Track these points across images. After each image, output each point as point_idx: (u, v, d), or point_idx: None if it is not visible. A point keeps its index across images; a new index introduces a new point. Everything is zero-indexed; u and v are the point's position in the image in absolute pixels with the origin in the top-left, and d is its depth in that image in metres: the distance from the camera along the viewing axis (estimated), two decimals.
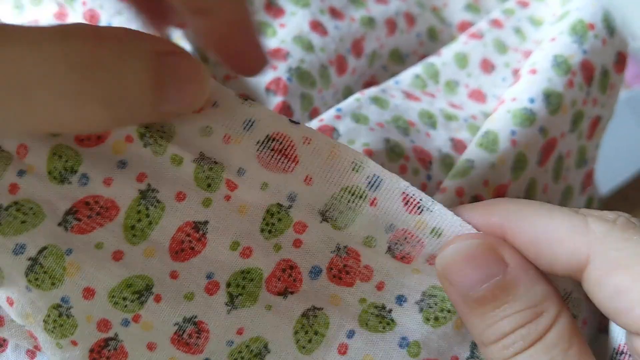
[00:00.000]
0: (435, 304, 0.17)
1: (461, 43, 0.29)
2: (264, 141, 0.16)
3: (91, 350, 0.17)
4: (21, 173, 0.16)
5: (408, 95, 0.27)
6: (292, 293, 0.17)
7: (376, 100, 0.26)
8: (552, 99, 0.24)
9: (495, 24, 0.30)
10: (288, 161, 0.16)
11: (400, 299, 0.17)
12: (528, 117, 0.23)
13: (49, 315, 0.16)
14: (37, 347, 0.19)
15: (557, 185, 0.27)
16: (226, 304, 0.17)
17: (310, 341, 0.17)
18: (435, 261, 0.16)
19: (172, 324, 0.17)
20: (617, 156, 0.36)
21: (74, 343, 0.17)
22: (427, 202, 0.16)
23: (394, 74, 0.31)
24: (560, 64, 0.25)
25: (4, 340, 0.20)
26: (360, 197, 0.16)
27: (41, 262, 0.16)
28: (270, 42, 0.27)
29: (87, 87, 0.13)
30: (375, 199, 0.16)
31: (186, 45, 0.25)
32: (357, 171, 0.16)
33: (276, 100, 0.25)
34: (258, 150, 0.16)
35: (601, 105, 0.28)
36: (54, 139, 0.16)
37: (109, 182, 0.16)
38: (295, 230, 0.17)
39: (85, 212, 0.16)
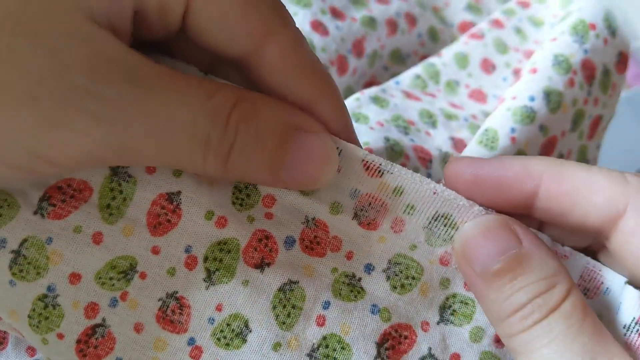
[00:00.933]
0: (401, 272, 0.18)
1: (462, 43, 0.30)
2: None
3: (78, 342, 0.17)
4: None
5: (408, 95, 0.28)
6: (268, 265, 0.17)
7: (376, 100, 0.26)
8: (552, 97, 0.24)
9: (496, 24, 0.31)
10: None
11: (369, 268, 0.18)
12: (528, 115, 0.23)
13: (33, 310, 0.16)
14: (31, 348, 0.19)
15: None
16: (204, 280, 0.17)
17: (289, 315, 0.17)
18: (452, 247, 0.17)
19: (156, 299, 0.17)
20: (617, 156, 0.36)
21: (60, 336, 0.17)
22: (387, 166, 0.17)
23: (394, 74, 0.31)
24: (561, 63, 0.25)
25: (4, 338, 0.20)
26: None
27: (24, 253, 0.16)
28: None
29: (214, 138, 0.15)
30: (339, 166, 0.17)
31: None
32: None
33: None
34: None
35: (602, 105, 0.28)
36: None
37: None
38: (265, 204, 0.18)
39: (59, 196, 0.16)
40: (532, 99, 0.24)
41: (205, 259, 0.17)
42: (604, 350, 0.15)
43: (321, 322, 0.18)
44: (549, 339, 0.15)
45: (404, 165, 0.23)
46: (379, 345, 0.18)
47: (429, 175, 0.24)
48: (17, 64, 0.13)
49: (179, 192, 0.17)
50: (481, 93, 0.29)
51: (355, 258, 0.18)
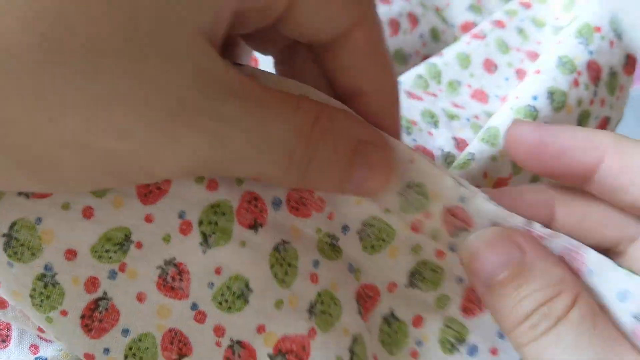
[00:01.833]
0: (373, 234, 0.19)
1: (464, 43, 0.30)
2: None
3: (82, 317, 0.17)
4: None
5: (410, 95, 0.28)
6: (261, 225, 0.18)
7: None
8: (556, 97, 0.24)
9: (498, 24, 0.31)
10: None
11: (345, 229, 0.19)
12: (531, 114, 0.23)
13: (34, 289, 0.16)
14: (40, 330, 0.19)
15: None
16: (200, 244, 0.17)
17: (286, 273, 0.18)
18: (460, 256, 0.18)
19: (155, 267, 0.17)
20: None
21: (64, 313, 0.17)
22: None
23: (396, 74, 0.31)
24: (565, 64, 0.25)
25: (7, 335, 0.20)
26: None
27: (15, 236, 0.16)
28: None
29: (298, 153, 0.15)
30: None
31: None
32: None
33: None
34: None
35: (610, 106, 0.28)
36: None
37: None
38: None
39: None
40: (535, 98, 0.24)
41: (200, 223, 0.17)
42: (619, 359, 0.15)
43: (315, 279, 0.18)
44: (561, 348, 0.15)
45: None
46: (357, 301, 0.19)
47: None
48: (143, 75, 0.13)
49: None
50: (483, 93, 0.29)
51: (335, 219, 0.18)
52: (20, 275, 0.16)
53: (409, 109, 0.26)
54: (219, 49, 0.15)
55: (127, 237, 0.17)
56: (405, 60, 0.32)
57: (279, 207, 0.18)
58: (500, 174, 0.22)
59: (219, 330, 0.17)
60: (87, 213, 0.17)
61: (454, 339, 0.19)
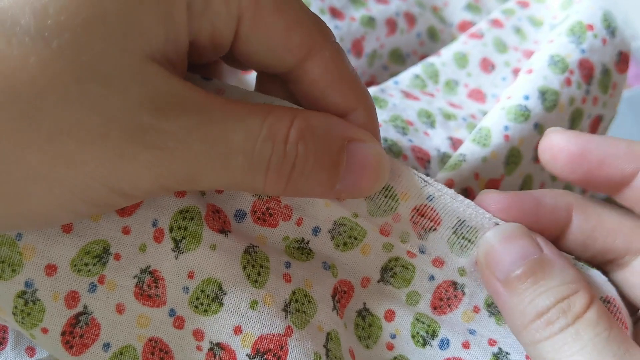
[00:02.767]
0: (345, 232, 0.19)
1: (461, 43, 0.31)
2: None
3: (63, 334, 0.17)
4: None
5: (407, 95, 0.28)
6: (230, 231, 0.18)
7: (375, 100, 0.27)
8: (547, 96, 0.25)
9: (496, 23, 0.31)
10: None
11: (316, 230, 0.19)
12: (522, 113, 0.24)
13: (15, 307, 0.17)
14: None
15: (555, 182, 0.27)
16: (172, 250, 0.18)
17: (259, 274, 0.18)
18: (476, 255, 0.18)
19: (132, 277, 0.18)
20: None
21: (45, 330, 0.17)
22: None
23: (394, 73, 0.32)
24: (557, 63, 0.25)
25: (3, 338, 0.20)
26: None
27: None
28: None
29: (275, 160, 0.16)
30: None
31: None
32: None
33: None
34: None
35: (603, 105, 0.28)
36: None
37: None
38: None
39: None
40: (526, 97, 0.24)
41: (171, 229, 0.18)
42: None
43: (288, 278, 0.18)
44: (580, 346, 0.16)
45: None
46: (332, 297, 0.19)
47: (427, 176, 0.24)
48: (89, 105, 0.14)
49: None
50: (480, 92, 0.30)
51: (304, 223, 0.19)
52: (2, 293, 0.17)
53: (405, 109, 0.27)
54: (181, 69, 0.16)
55: (106, 250, 0.18)
56: (403, 60, 0.33)
57: (242, 219, 0.19)
58: (491, 175, 0.23)
59: (198, 334, 0.18)
60: (67, 227, 0.17)
61: (425, 332, 0.20)
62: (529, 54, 0.31)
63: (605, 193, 0.19)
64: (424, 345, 0.20)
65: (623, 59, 0.29)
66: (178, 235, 0.18)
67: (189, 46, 0.16)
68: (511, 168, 0.24)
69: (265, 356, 0.17)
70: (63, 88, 0.14)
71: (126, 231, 0.18)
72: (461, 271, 0.19)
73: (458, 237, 0.18)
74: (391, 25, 0.32)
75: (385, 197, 0.18)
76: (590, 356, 0.15)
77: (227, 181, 0.16)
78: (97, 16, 0.14)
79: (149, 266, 0.18)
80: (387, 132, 0.25)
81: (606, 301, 0.18)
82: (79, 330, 0.17)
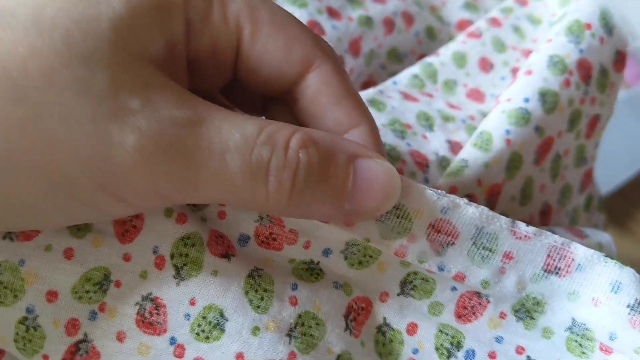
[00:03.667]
0: (359, 251, 0.19)
1: (459, 42, 0.31)
2: None
3: None
4: None
5: (406, 96, 0.29)
6: (233, 255, 0.18)
7: (373, 103, 0.27)
8: (547, 98, 0.25)
9: (494, 22, 0.32)
10: None
11: (327, 252, 0.19)
12: (523, 117, 0.24)
13: (17, 334, 0.17)
14: None
15: (554, 184, 0.28)
16: (174, 277, 0.18)
17: (262, 299, 0.18)
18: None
19: (133, 304, 0.18)
20: (617, 155, 0.37)
21: (45, 357, 0.17)
22: None
23: (392, 73, 0.32)
24: (556, 64, 0.26)
25: (0, 351, 0.21)
26: None
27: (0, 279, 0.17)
28: None
29: (274, 167, 0.15)
30: None
31: None
32: None
33: None
34: None
35: (600, 104, 0.29)
36: None
37: None
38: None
39: None
40: (526, 100, 0.25)
41: (172, 256, 0.18)
42: None
43: (294, 301, 0.18)
44: None
45: (400, 170, 0.24)
46: (346, 317, 0.19)
47: (426, 180, 0.25)
48: (77, 89, 0.14)
49: None
50: (479, 92, 0.30)
51: (312, 246, 0.19)
52: (3, 320, 0.17)
53: (404, 112, 0.27)
54: (181, 85, 0.16)
55: (107, 277, 0.18)
56: (401, 59, 0.33)
57: (246, 243, 0.19)
58: (493, 180, 0.23)
59: None
60: (68, 254, 0.17)
61: (450, 344, 0.19)
62: (527, 53, 0.31)
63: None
64: (448, 357, 0.19)
65: (620, 58, 0.29)
66: (179, 262, 0.18)
67: (192, 65, 0.17)
68: (512, 172, 0.24)
69: None
70: (51, 71, 0.14)
71: (127, 258, 0.18)
72: (484, 283, 0.18)
73: (478, 248, 0.18)
74: (389, 24, 0.32)
75: (398, 217, 0.18)
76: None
77: (225, 184, 0.15)
78: (92, 16, 0.14)
79: (151, 293, 0.18)
80: (386, 136, 0.26)
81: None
82: (79, 358, 0.18)
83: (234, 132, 0.15)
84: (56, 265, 0.17)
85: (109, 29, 0.15)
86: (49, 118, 0.14)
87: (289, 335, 0.18)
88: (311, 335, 0.18)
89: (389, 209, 0.17)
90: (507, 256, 0.18)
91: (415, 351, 0.19)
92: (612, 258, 0.18)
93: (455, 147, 0.26)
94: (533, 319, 0.19)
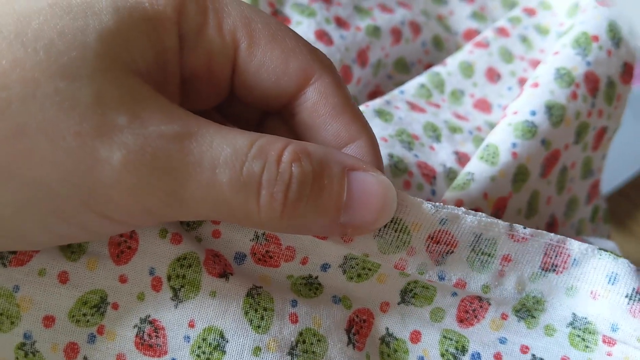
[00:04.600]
0: (357, 264, 0.19)
1: (466, 52, 0.31)
2: None
3: None
4: None
5: (413, 107, 0.29)
6: (231, 274, 0.18)
7: (380, 114, 0.27)
8: (554, 111, 0.25)
9: (501, 32, 0.32)
10: None
11: (325, 267, 0.19)
12: (529, 130, 0.25)
13: (16, 358, 0.17)
14: None
15: (561, 196, 0.28)
16: (172, 299, 0.18)
17: (262, 318, 0.18)
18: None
19: (132, 326, 0.18)
20: (617, 156, 0.37)
21: None
22: None
23: (399, 83, 0.32)
24: (563, 76, 0.26)
25: None
26: None
27: None
28: None
29: (265, 180, 0.15)
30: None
31: None
32: None
33: None
34: None
35: (607, 116, 0.29)
36: None
37: None
38: (213, 221, 0.18)
39: None
40: (533, 113, 0.25)
41: (169, 278, 0.18)
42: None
43: (294, 319, 0.19)
44: None
45: (407, 182, 0.25)
46: (348, 331, 0.19)
47: (433, 192, 0.25)
48: (60, 102, 0.14)
49: None
50: (486, 102, 0.30)
51: (310, 262, 0.19)
52: (2, 346, 0.17)
53: (411, 122, 0.28)
54: (174, 101, 0.16)
55: (104, 299, 0.18)
56: (408, 69, 0.33)
57: (243, 261, 0.19)
58: (500, 194, 0.24)
59: None
60: (63, 278, 0.18)
61: (455, 349, 0.19)
62: (535, 64, 0.31)
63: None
64: None
65: (627, 70, 0.29)
66: (176, 284, 0.18)
67: (187, 84, 0.16)
68: (519, 185, 0.25)
69: None
70: (33, 83, 0.14)
71: (123, 280, 0.18)
72: (485, 288, 0.19)
73: (477, 254, 0.18)
74: (396, 34, 0.32)
75: (396, 231, 0.18)
76: None
77: (215, 199, 0.15)
78: (79, 28, 0.14)
79: (149, 315, 0.18)
80: (394, 147, 0.26)
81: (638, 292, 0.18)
82: None
83: (225, 146, 0.15)
84: (51, 290, 0.17)
85: (95, 41, 0.14)
86: (31, 131, 0.14)
87: (290, 353, 0.18)
88: (313, 352, 0.18)
89: (386, 222, 0.17)
90: (506, 259, 0.19)
91: (421, 359, 0.20)
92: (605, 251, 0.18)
93: (462, 158, 0.26)
94: (534, 317, 0.19)
